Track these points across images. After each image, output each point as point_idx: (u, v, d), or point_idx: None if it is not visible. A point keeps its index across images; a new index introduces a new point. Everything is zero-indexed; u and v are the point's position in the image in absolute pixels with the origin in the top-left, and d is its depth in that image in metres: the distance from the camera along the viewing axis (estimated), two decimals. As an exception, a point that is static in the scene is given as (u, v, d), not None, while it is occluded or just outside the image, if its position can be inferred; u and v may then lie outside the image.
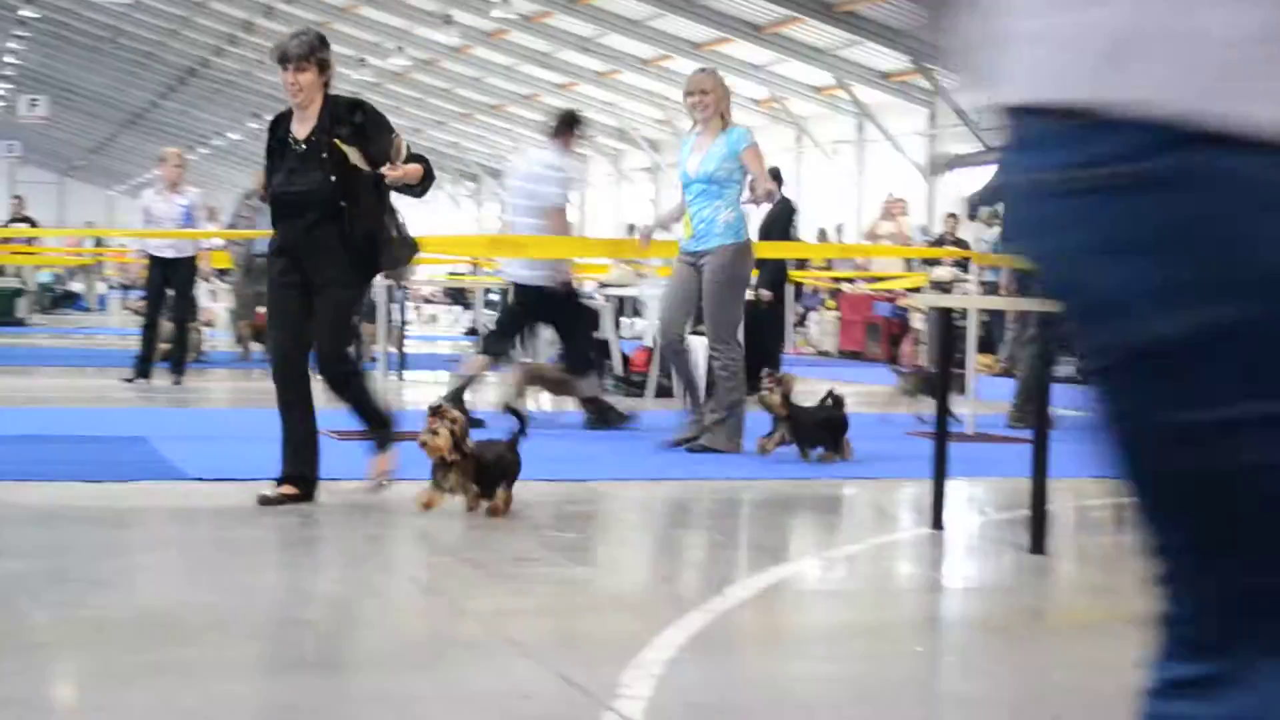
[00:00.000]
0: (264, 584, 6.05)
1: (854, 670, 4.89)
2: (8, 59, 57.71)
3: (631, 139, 43.98)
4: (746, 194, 10.12)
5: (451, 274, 27.41)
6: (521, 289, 11.37)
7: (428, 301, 36.30)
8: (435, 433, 7.11)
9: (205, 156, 63.92)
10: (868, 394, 13.59)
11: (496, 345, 11.56)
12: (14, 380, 15.47)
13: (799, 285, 21.67)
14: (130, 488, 8.01)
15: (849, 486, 9.00)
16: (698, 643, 4.99)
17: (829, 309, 25.04)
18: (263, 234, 17.57)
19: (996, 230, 21.26)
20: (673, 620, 5.21)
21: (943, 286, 18.05)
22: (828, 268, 25.40)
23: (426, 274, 30.06)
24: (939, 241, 22.57)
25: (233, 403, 13.33)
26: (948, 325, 8.46)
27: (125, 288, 36.54)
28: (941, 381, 7.74)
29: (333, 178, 7.47)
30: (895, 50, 28.79)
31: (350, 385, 7.82)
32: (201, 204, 15.27)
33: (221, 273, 19.53)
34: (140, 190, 66.17)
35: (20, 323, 27.15)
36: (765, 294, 14.17)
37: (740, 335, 10.23)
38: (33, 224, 30.32)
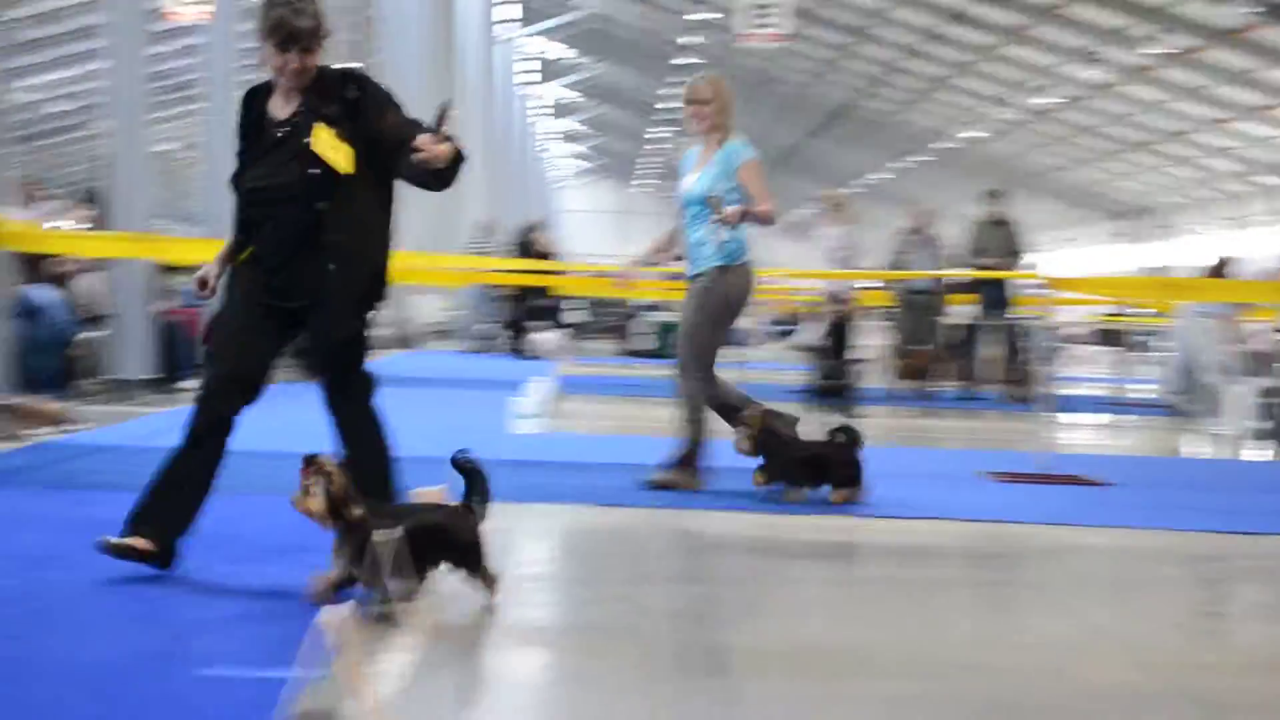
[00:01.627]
0: (944, 624, 6.04)
1: None
2: (662, 105, 60.47)
3: (1291, 175, 42.08)
4: (715, 215, 8.86)
5: (1108, 315, 26.89)
6: None
7: (1074, 342, 35.67)
8: (306, 491, 5.62)
9: (851, 196, 65.21)
10: None
11: None
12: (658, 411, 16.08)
13: None
14: (797, 521, 8.19)
15: None
16: None
17: None
18: (922, 274, 17.86)
19: None
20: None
21: None
22: None
23: (1073, 314, 29.62)
24: None
25: (887, 439, 13.43)
26: None
27: (779, 324, 37.51)
28: None
29: (313, 170, 6.03)
30: None
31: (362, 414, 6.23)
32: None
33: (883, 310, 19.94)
34: (790, 228, 67.52)
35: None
36: None
37: (707, 363, 8.97)
38: (690, 261, 31.64)
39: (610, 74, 63.21)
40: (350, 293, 6.11)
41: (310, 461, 5.60)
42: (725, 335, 9.12)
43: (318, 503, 5.52)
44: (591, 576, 6.72)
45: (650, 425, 13.80)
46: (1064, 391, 18.15)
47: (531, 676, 5.02)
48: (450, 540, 5.65)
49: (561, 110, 73.34)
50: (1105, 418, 17.70)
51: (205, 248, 15.13)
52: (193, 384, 15.20)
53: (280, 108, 6.16)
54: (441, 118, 5.79)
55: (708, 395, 9.01)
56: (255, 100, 6.23)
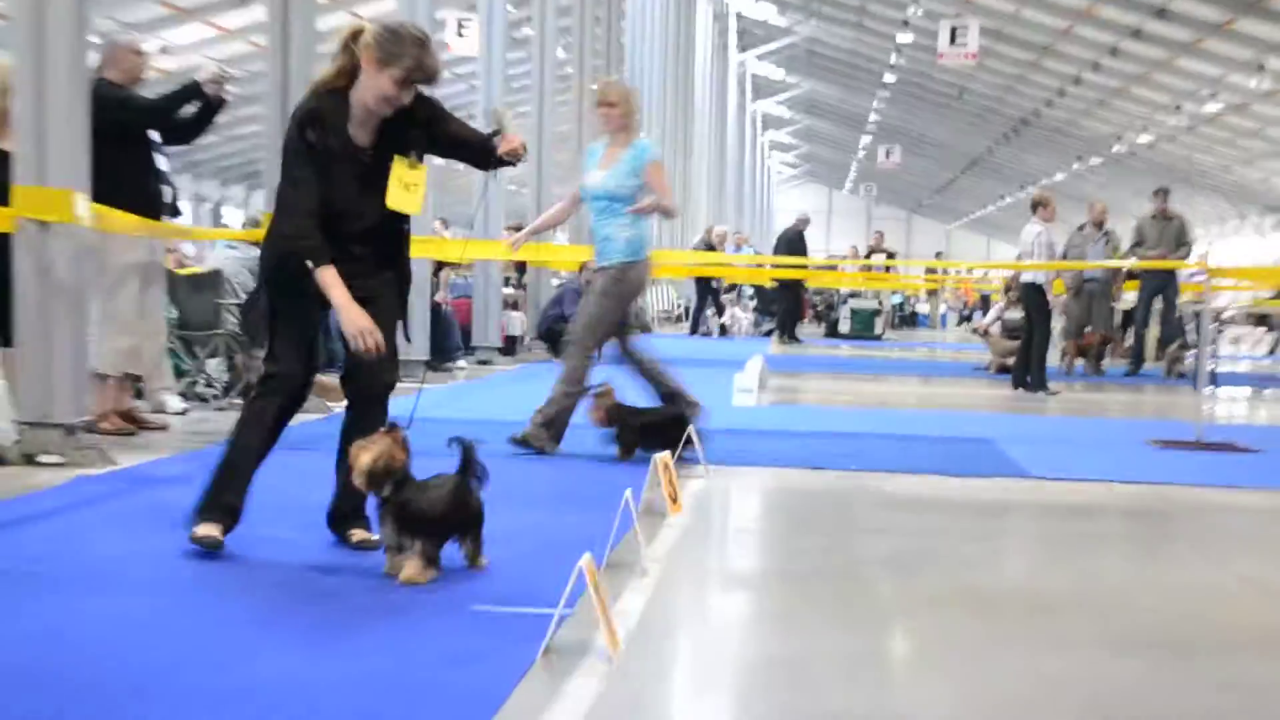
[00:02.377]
0: (1109, 572, 6.04)
1: None
2: (871, 116, 60.06)
3: None
4: (632, 206, 8.58)
5: (1256, 299, 26.28)
6: None
7: (1225, 323, 34.70)
8: (361, 449, 5.06)
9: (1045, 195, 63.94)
10: None
11: None
12: (874, 386, 16.13)
13: None
14: (984, 483, 8.21)
15: None
16: None
17: None
18: (1092, 265, 17.62)
19: None
20: None
21: None
22: None
23: (1229, 299, 28.85)
24: None
25: (1061, 412, 13.32)
26: None
27: (960, 309, 37.03)
28: None
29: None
30: None
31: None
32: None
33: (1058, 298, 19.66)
34: (976, 224, 66.35)
35: (877, 338, 28.50)
36: None
37: (596, 347, 8.74)
38: (890, 255, 31.70)
39: (818, 91, 62.86)
40: (404, 308, 5.73)
41: (391, 427, 5.10)
42: (619, 320, 8.85)
43: (361, 464, 5.00)
44: (801, 529, 6.84)
45: (852, 398, 13.85)
46: (1220, 368, 17.76)
47: (747, 616, 5.13)
48: (467, 511, 5.20)
49: (769, 122, 73.22)
50: (1257, 391, 17.29)
51: (477, 248, 15.54)
52: (462, 363, 15.61)
53: (361, 133, 5.44)
54: (502, 120, 5.60)
55: (644, 369, 8.90)
56: (319, 124, 5.38)
